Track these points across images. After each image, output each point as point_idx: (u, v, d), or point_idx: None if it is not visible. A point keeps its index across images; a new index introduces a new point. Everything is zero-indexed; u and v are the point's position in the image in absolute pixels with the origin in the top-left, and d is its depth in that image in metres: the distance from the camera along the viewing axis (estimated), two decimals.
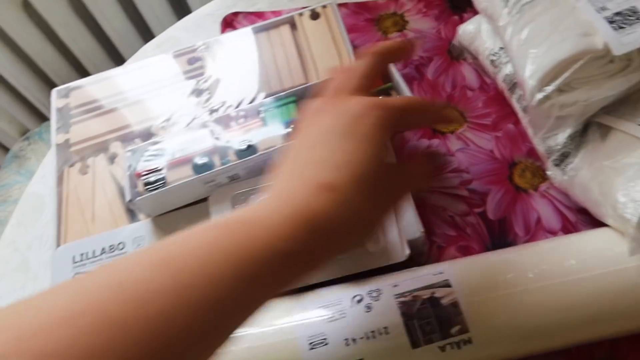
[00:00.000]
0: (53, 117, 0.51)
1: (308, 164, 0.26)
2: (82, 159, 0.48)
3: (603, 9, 0.35)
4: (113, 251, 0.42)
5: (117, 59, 1.03)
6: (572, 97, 0.36)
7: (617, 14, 0.35)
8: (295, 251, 0.23)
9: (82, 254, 0.42)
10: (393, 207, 0.30)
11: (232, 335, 0.21)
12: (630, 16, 0.34)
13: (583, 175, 0.37)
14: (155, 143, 0.43)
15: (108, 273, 0.21)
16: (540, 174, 0.45)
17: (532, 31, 0.38)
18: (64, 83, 0.53)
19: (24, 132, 0.99)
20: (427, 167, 0.33)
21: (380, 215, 0.29)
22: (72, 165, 0.48)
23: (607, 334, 0.34)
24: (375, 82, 0.43)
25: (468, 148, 0.48)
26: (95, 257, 0.42)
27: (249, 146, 0.40)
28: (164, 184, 0.40)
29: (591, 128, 0.39)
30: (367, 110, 0.27)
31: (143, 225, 0.43)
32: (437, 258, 0.42)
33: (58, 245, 0.44)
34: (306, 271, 0.24)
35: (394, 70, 0.44)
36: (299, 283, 0.24)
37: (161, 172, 0.41)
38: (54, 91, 0.53)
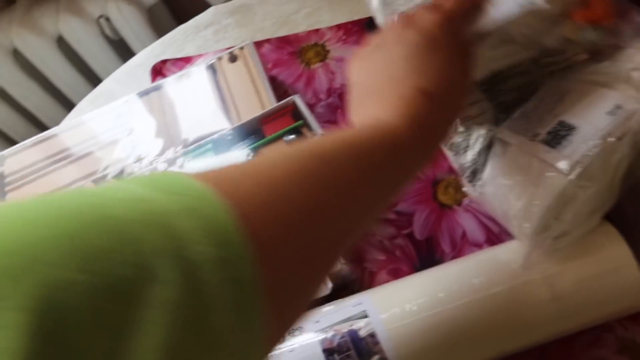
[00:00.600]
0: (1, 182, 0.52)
1: (408, 72, 0.29)
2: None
3: None
4: None
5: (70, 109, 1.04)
6: None
7: None
8: (411, 141, 0.27)
9: None
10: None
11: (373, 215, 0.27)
12: None
13: (489, 192, 0.39)
14: None
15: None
16: (462, 190, 0.46)
17: None
18: (22, 138, 0.55)
19: None
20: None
21: (464, 102, 0.34)
22: None
23: (520, 346, 0.36)
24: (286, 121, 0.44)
25: None
26: None
27: None
28: None
29: (495, 144, 0.40)
30: (438, 27, 0.30)
31: None
32: (369, 284, 0.43)
33: None
34: (419, 162, 0.29)
35: (304, 109, 0.45)
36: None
37: None
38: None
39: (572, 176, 0.31)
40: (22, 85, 0.94)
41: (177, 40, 0.64)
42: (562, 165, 0.32)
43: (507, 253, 0.36)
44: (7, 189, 0.51)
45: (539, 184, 0.33)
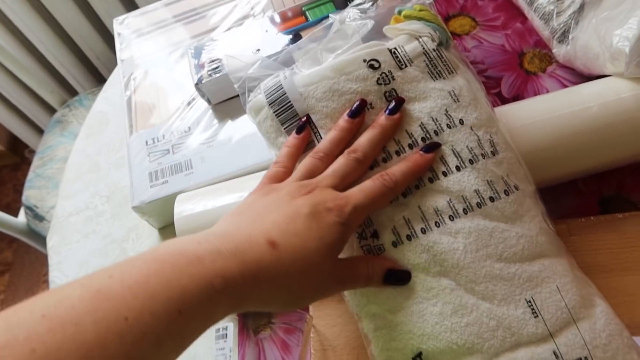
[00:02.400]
0: (116, 39, 0.58)
1: (266, 220, 0.28)
2: (146, 70, 0.55)
3: None
4: (180, 134, 0.49)
5: None
6: None
7: None
8: (229, 290, 0.24)
9: (153, 138, 0.49)
10: (320, 297, 0.31)
11: None
12: None
13: (583, 38, 0.44)
14: (214, 40, 0.50)
15: (44, 304, 0.21)
16: (547, 59, 0.51)
17: None
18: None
19: (63, 102, 1.07)
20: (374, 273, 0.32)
21: (304, 300, 0.30)
22: (136, 75, 0.55)
23: (608, 163, 0.41)
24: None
25: (482, 45, 0.54)
26: (165, 139, 0.49)
27: (296, 34, 0.47)
28: (224, 70, 0.47)
29: (587, 4, 0.45)
30: (337, 208, 0.29)
31: (204, 113, 0.50)
32: None
33: (131, 134, 0.50)
34: (232, 311, 0.26)
35: None
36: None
37: (221, 61, 0.48)
38: (115, 20, 0.60)
39: None
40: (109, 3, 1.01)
41: None
42: None
43: (603, 81, 0.41)
44: (133, 41, 0.58)
45: (639, 7, 0.38)
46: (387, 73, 0.35)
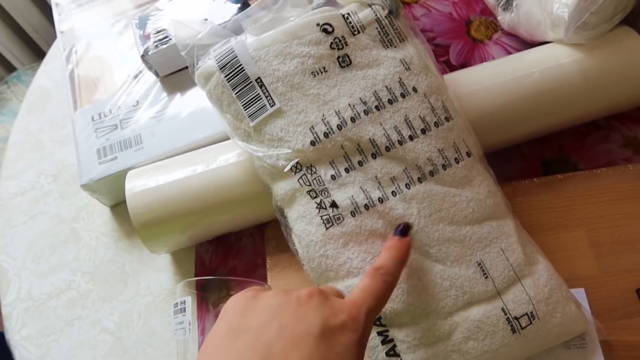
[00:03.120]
0: (54, 10, 0.55)
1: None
2: (88, 42, 0.52)
3: None
4: (128, 108, 0.47)
5: None
6: None
7: None
8: None
9: (99, 113, 0.47)
10: None
11: None
12: None
13: (526, 5, 0.45)
14: (159, 10, 0.48)
15: None
16: (493, 27, 0.52)
17: None
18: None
19: (0, 79, 1.01)
20: None
21: None
22: (77, 48, 0.52)
23: (550, 126, 0.43)
24: None
25: (430, 13, 0.55)
26: (113, 114, 0.47)
27: (244, 3, 0.46)
28: (172, 40, 0.46)
29: None
30: (351, 320, 0.25)
31: (152, 85, 0.48)
32: None
33: (75, 110, 0.48)
34: None
35: None
36: None
37: (168, 32, 0.46)
38: None
39: None
40: None
41: None
42: None
43: (544, 48, 0.42)
44: (72, 11, 0.55)
45: None
46: (341, 38, 0.36)
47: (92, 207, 0.49)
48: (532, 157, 0.46)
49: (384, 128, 0.34)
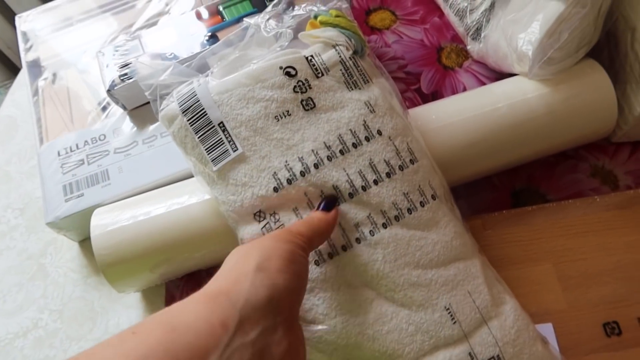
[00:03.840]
0: (20, 39, 0.54)
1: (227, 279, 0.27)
2: (54, 73, 0.52)
3: None
4: (95, 142, 0.47)
5: None
6: None
7: None
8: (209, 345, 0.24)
9: (66, 148, 0.47)
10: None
11: None
12: None
13: (493, 37, 0.45)
14: (126, 41, 0.47)
15: None
16: (463, 54, 0.53)
17: None
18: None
19: None
20: None
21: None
22: (45, 79, 0.51)
23: (519, 159, 0.43)
24: None
25: (402, 40, 0.55)
26: (79, 148, 0.46)
27: (212, 35, 0.46)
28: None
29: (497, 2, 0.47)
30: (278, 244, 0.28)
31: (120, 119, 0.48)
32: None
33: (41, 144, 0.47)
34: None
35: None
36: None
37: (133, 65, 0.46)
38: (17, 17, 0.56)
39: (569, 1, 0.38)
40: None
41: None
42: None
43: (511, 81, 0.43)
44: (38, 40, 0.54)
45: (541, 12, 0.39)
46: (304, 81, 0.35)
47: (61, 241, 0.48)
48: (502, 187, 0.46)
49: (347, 174, 0.34)
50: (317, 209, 0.33)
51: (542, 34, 0.39)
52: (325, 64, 0.36)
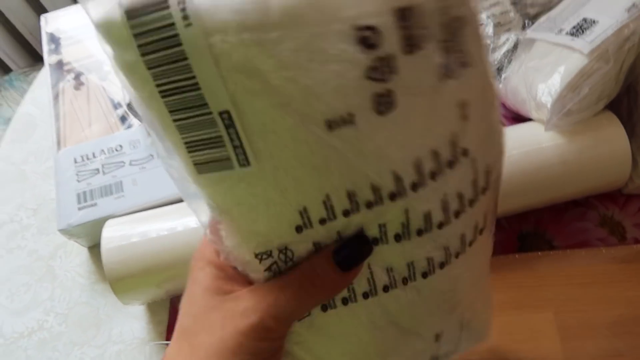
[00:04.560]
0: (44, 40, 0.55)
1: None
2: (76, 77, 0.52)
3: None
4: (112, 152, 0.47)
5: None
6: None
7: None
8: None
9: (82, 156, 0.47)
10: None
11: None
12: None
13: (513, 80, 0.46)
14: None
15: None
16: None
17: None
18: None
19: None
20: None
21: None
22: (67, 82, 0.52)
23: (531, 203, 0.43)
24: None
25: None
26: (95, 157, 0.47)
27: None
28: None
29: (520, 44, 0.47)
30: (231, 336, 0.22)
31: (138, 131, 0.48)
32: None
33: (59, 149, 0.48)
34: None
35: None
36: None
37: None
38: (43, 17, 0.56)
39: (592, 56, 0.38)
40: None
41: None
42: (585, 47, 0.38)
43: (526, 128, 0.43)
44: (63, 43, 0.55)
45: (563, 64, 0.39)
46: (386, 58, 0.18)
47: (71, 245, 0.49)
48: (510, 229, 0.46)
49: (408, 217, 0.22)
50: (334, 256, 0.22)
51: (563, 86, 0.39)
52: (423, 24, 0.19)
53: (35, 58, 1.14)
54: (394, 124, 0.20)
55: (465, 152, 0.22)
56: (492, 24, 0.50)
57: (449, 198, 0.23)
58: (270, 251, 0.23)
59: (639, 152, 0.43)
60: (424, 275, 0.24)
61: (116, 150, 0.47)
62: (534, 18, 0.49)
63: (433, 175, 0.21)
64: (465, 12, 0.20)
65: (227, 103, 0.18)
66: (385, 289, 0.25)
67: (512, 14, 0.50)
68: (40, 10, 1.05)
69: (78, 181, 0.46)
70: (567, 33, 0.41)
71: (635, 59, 0.41)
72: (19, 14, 1.02)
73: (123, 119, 0.49)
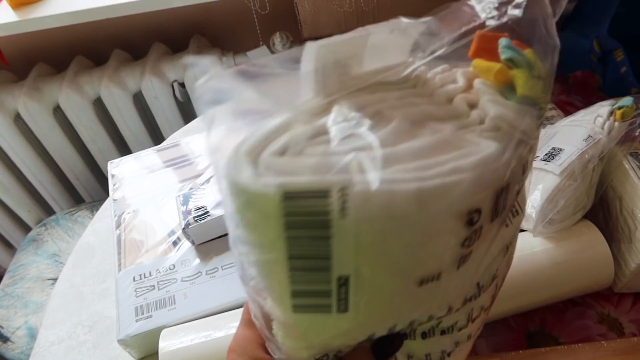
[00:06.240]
0: (110, 180, 0.66)
1: None
2: (136, 210, 0.62)
3: None
4: (165, 271, 0.55)
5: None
6: None
7: None
8: None
9: (140, 275, 0.55)
10: None
11: None
12: None
13: None
14: (199, 188, 0.58)
15: None
16: None
17: None
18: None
19: (38, 221, 1.11)
20: None
21: None
22: (128, 213, 0.62)
23: (527, 303, 0.49)
24: None
25: None
26: (152, 276, 0.55)
27: None
28: (209, 216, 0.55)
29: None
30: None
31: (188, 252, 0.56)
32: None
33: (120, 270, 0.56)
34: None
35: None
36: None
37: (206, 208, 0.56)
38: (109, 163, 0.68)
39: (563, 175, 0.47)
40: (94, 129, 1.10)
41: None
42: (556, 169, 0.48)
43: (520, 237, 0.51)
44: (124, 181, 0.65)
45: (541, 182, 0.49)
46: (479, 229, 0.21)
47: (122, 358, 0.54)
48: (518, 329, 0.51)
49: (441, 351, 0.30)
50: (372, 347, 0.26)
51: (543, 200, 0.48)
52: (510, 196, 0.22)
53: (76, 200, 1.26)
54: (463, 272, 0.23)
55: (494, 277, 0.27)
56: None
57: (474, 311, 0.27)
58: (328, 354, 0.26)
59: (619, 254, 0.50)
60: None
61: (169, 269, 0.55)
62: None
63: (470, 299, 0.26)
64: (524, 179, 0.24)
65: (350, 271, 0.20)
66: None
67: None
68: (87, 156, 1.20)
69: (136, 296, 0.53)
70: (541, 159, 0.51)
71: (601, 176, 0.50)
72: (69, 160, 1.17)
73: (175, 243, 0.58)
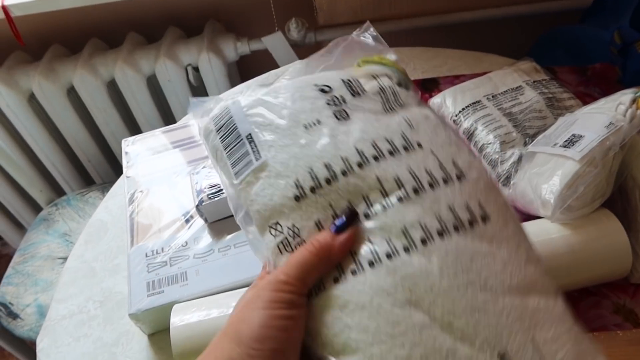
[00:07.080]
0: (124, 157, 0.66)
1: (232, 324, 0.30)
2: (149, 187, 0.62)
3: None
4: (178, 248, 0.55)
5: None
6: None
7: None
8: None
9: (152, 251, 0.55)
10: None
11: None
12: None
13: (521, 185, 0.54)
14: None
15: None
16: None
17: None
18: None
19: (49, 201, 1.11)
20: None
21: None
22: (141, 191, 0.62)
23: None
24: None
25: None
26: (164, 252, 0.55)
27: None
28: (223, 194, 0.55)
29: (523, 157, 0.56)
30: (256, 312, 0.28)
31: (200, 229, 0.56)
32: None
33: (132, 246, 0.56)
34: None
35: None
36: None
37: (220, 186, 0.55)
38: (123, 141, 0.68)
39: (583, 162, 0.46)
40: (107, 111, 1.10)
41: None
42: (576, 156, 0.47)
43: (537, 223, 0.50)
44: (138, 159, 0.65)
45: (560, 169, 0.48)
46: (339, 97, 0.34)
47: (132, 333, 0.55)
48: None
49: (379, 180, 0.31)
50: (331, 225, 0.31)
51: (562, 186, 0.47)
52: (362, 87, 0.35)
53: (87, 182, 1.26)
54: (348, 126, 0.33)
55: (420, 145, 0.32)
56: (498, 143, 0.60)
57: (415, 170, 0.30)
58: (282, 226, 0.32)
59: (638, 244, 0.50)
60: (424, 241, 0.28)
61: (182, 245, 0.55)
62: (532, 137, 0.59)
63: (391, 152, 0.31)
64: None
65: (249, 131, 0.36)
66: (389, 256, 0.28)
67: (514, 134, 0.61)
68: (100, 138, 1.20)
69: (148, 272, 0.53)
70: (560, 146, 0.50)
71: (621, 165, 0.49)
72: (82, 143, 1.17)
73: (187, 220, 0.58)
